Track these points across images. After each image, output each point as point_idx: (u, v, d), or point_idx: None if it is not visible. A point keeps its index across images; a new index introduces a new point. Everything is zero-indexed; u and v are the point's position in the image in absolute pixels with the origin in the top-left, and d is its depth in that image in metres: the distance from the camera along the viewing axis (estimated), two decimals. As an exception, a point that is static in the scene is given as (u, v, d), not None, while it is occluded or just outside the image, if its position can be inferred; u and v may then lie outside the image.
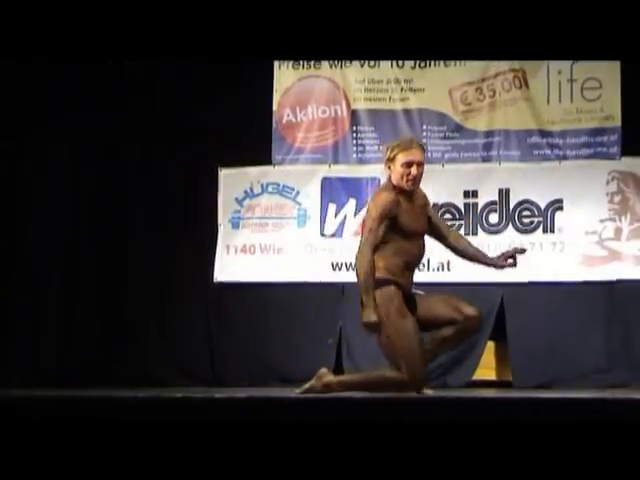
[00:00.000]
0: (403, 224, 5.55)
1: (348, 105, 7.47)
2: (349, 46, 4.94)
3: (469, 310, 5.53)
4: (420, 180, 5.57)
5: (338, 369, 6.93)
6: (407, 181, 5.41)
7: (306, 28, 4.74)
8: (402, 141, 5.75)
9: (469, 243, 5.97)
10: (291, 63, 7.71)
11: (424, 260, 6.75)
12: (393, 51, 5.28)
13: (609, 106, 7.46)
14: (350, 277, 6.49)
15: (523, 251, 5.88)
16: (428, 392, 5.67)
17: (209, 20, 4.71)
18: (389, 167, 5.48)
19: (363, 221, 5.81)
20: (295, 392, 5.55)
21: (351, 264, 6.64)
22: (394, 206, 5.49)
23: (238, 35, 4.76)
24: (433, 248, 6.70)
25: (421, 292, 5.79)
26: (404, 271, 5.59)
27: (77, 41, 4.78)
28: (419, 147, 5.61)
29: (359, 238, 5.72)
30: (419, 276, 6.62)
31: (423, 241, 5.65)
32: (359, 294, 5.54)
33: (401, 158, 5.40)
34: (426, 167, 6.55)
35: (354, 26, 4.69)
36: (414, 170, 5.41)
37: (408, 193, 5.48)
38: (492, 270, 6.86)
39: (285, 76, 7.81)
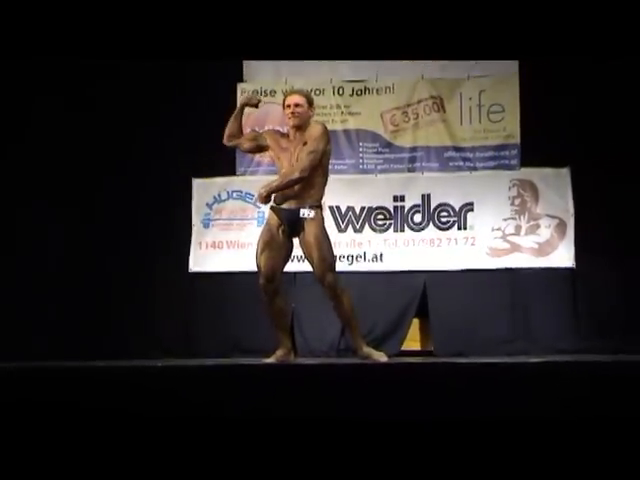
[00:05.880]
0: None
1: (297, 126, 7.52)
2: (338, 46, 4.85)
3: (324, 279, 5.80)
4: (299, 117, 5.87)
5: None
6: (287, 118, 5.94)
7: (295, 27, 4.61)
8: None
9: (286, 173, 5.89)
10: (251, 92, 7.67)
11: (361, 252, 7.93)
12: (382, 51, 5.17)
13: (510, 127, 7.82)
14: (299, 267, 6.91)
15: None
16: (383, 358, 5.91)
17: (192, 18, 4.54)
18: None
19: (305, 142, 5.87)
20: (262, 361, 5.83)
21: (295, 257, 6.50)
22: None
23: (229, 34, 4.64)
24: (371, 241, 7.93)
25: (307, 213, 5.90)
26: None
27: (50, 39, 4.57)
28: (297, 93, 6.07)
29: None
30: (357, 265, 7.88)
31: (292, 162, 5.85)
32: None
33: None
34: (362, 176, 7.96)
35: (342, 26, 4.58)
36: (287, 110, 5.89)
37: (298, 130, 5.88)
38: (417, 260, 7.82)
39: (247, 103, 7.65)
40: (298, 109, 5.83)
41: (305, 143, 5.79)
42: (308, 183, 5.80)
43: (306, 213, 5.82)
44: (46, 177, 7.85)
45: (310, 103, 5.93)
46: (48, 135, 7.85)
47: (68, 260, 7.91)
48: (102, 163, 7.97)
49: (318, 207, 5.89)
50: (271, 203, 5.82)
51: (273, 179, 5.94)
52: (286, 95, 6.04)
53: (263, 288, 5.85)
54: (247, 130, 6.49)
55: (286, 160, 5.87)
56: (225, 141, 6.16)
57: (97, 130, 7.93)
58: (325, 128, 5.89)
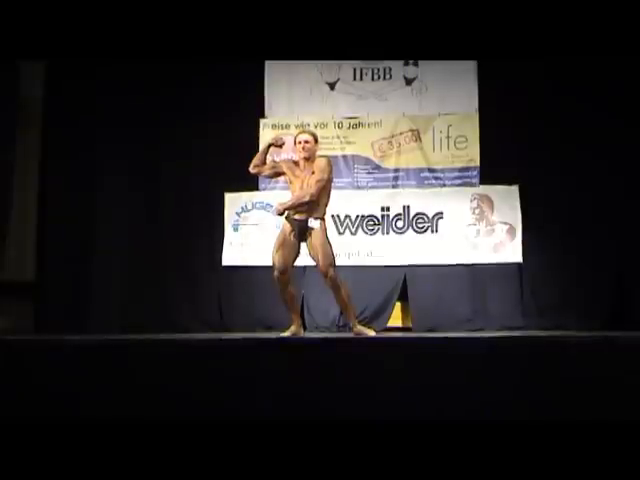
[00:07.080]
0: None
1: (306, 152, 6.91)
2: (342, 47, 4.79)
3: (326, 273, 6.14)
4: (308, 151, 6.29)
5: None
6: (299, 152, 6.37)
7: (300, 30, 4.46)
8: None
9: (299, 195, 6.25)
10: (270, 126, 8.59)
11: (356, 250, 8.48)
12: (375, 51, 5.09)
13: (472, 153, 8.44)
14: (308, 262, 6.84)
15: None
16: (371, 333, 6.40)
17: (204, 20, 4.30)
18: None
19: (313, 172, 6.29)
20: (279, 335, 6.32)
21: (305, 254, 6.58)
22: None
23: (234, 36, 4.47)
24: (363, 242, 8.45)
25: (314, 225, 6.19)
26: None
27: (72, 40, 4.26)
28: (306, 132, 6.49)
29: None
30: (352, 260, 8.39)
31: (303, 187, 6.25)
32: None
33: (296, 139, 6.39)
34: (356, 191, 8.51)
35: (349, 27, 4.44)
36: (299, 145, 6.35)
37: (307, 160, 6.31)
38: (399, 257, 8.35)
39: (266, 134, 8.57)
40: (307, 145, 6.31)
41: (313, 172, 6.24)
42: (315, 202, 6.27)
43: (313, 223, 6.26)
44: (123, 188, 8.81)
45: (316, 140, 6.40)
46: (126, 157, 8.78)
47: (133, 253, 8.72)
48: (162, 183, 8.91)
49: (322, 219, 6.32)
50: (285, 215, 6.35)
51: (288, 198, 6.46)
52: (297, 134, 6.51)
53: (277, 279, 6.27)
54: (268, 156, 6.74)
55: (298, 184, 6.34)
56: (250, 169, 6.51)
57: (161, 157, 8.92)
58: (329, 161, 6.38)
